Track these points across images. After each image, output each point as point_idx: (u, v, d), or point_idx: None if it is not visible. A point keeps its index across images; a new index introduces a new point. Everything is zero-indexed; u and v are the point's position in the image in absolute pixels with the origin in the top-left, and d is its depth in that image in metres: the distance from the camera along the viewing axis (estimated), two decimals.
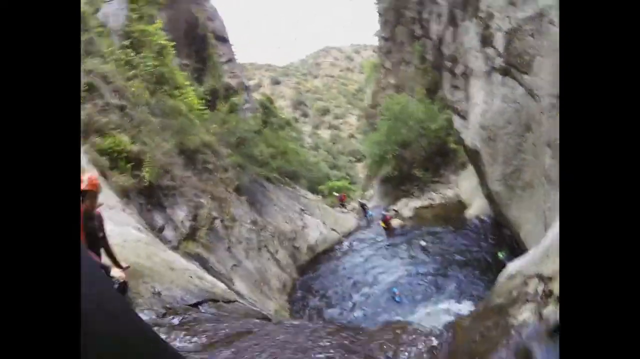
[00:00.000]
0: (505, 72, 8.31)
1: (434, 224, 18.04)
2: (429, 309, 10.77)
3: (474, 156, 12.35)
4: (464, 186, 18.82)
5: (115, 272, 3.85)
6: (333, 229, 21.17)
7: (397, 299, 12.74)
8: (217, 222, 11.74)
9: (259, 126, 22.87)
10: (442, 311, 10.20)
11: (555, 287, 2.90)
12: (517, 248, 11.29)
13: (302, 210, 20.18)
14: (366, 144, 29.59)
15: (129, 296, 4.43)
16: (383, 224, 19.75)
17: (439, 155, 22.24)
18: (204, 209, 11.23)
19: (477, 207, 16.25)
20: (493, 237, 13.77)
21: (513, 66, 7.92)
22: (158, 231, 9.23)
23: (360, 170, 52.12)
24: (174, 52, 16.58)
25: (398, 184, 23.99)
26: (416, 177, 22.79)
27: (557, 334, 2.34)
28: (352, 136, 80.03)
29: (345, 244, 19.62)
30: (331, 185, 31.58)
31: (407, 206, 22.22)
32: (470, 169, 17.92)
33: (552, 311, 2.62)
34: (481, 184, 14.33)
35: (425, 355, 3.41)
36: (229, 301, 6.92)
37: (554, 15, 6.67)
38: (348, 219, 23.97)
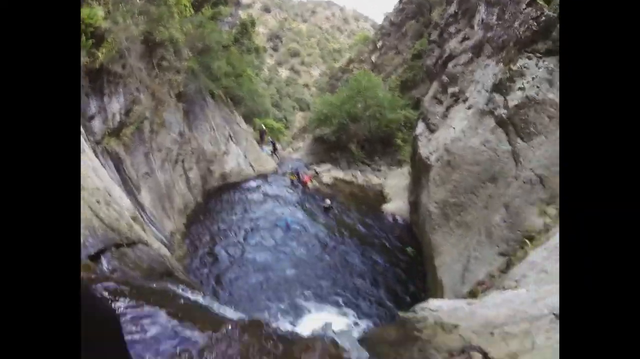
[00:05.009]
0: (501, 124, 8.33)
1: (348, 199, 18.59)
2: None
3: (421, 167, 12.51)
4: (392, 182, 19.24)
5: None
6: (251, 165, 20.84)
7: (286, 222, 14.25)
8: (146, 123, 10.85)
9: (229, 42, 21.41)
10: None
11: None
12: (420, 259, 12.10)
13: (231, 136, 19.49)
14: (319, 100, 29.00)
15: None
16: (292, 177, 20.14)
17: (381, 143, 22.47)
18: (140, 105, 10.28)
19: (395, 206, 16.79)
20: (400, 237, 14.34)
21: (513, 125, 7.94)
22: (87, 120, 8.26)
23: (298, 120, 51.45)
24: None
25: (330, 148, 23.93)
26: (349, 150, 22.95)
27: None
28: (307, 85, 78.85)
29: (256, 183, 19.55)
30: (268, 122, 30.87)
31: (329, 173, 22.44)
32: (405, 169, 18.48)
33: None
34: (412, 191, 14.81)
35: None
36: (131, 243, 5.98)
37: None
38: (269, 161, 23.73)
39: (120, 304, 3.53)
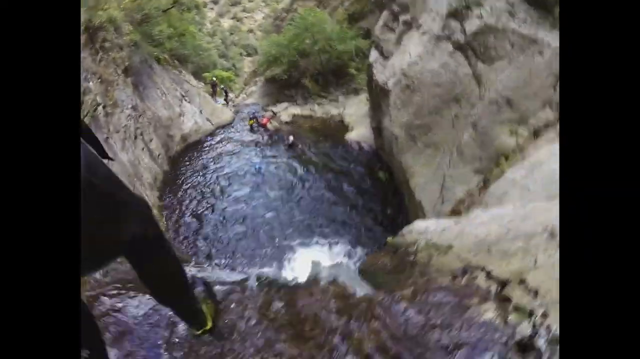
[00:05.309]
0: (459, 48, 8.39)
1: (309, 133, 18.76)
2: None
3: (379, 93, 12.55)
4: (351, 111, 19.28)
5: None
6: (208, 120, 20.45)
7: (255, 168, 14.76)
8: (100, 109, 10.50)
9: (169, 5, 20.34)
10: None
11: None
12: (394, 182, 12.40)
13: (183, 96, 18.86)
14: (265, 43, 28.06)
15: None
16: (251, 123, 20.08)
17: (334, 75, 22.18)
18: (91, 94, 9.93)
19: (358, 133, 16.98)
20: (369, 163, 14.63)
21: (472, 49, 7.99)
22: None
23: (247, 65, 49.52)
24: None
25: (283, 87, 23.55)
26: (304, 86, 22.67)
27: None
28: (251, 30, 74.99)
29: (217, 137, 19.45)
30: (217, 74, 29.87)
31: (286, 111, 22.29)
32: (362, 96, 18.54)
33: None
34: (373, 117, 14.98)
35: None
36: None
37: (550, 47, 6.84)
38: (225, 112, 23.25)
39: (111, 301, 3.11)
